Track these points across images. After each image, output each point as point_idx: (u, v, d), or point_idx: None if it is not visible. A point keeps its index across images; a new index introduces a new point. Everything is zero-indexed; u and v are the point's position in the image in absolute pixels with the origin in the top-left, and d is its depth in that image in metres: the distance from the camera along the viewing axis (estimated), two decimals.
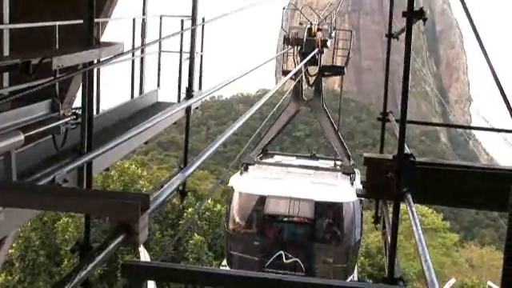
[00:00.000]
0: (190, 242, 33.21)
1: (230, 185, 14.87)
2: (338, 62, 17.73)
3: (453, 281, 26.73)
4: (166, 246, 30.78)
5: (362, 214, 14.13)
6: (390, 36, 8.66)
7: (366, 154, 6.23)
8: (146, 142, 9.68)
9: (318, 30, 16.38)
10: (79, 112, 5.84)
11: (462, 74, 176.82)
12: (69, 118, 5.81)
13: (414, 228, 4.11)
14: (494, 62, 5.30)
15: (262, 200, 13.80)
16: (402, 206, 4.80)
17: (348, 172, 15.07)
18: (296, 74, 14.44)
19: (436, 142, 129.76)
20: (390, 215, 5.64)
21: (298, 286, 2.40)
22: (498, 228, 64.19)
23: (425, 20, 5.06)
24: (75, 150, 5.53)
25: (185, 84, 9.69)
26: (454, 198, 5.82)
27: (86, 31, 5.80)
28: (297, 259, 13.12)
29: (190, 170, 4.45)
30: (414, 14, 4.84)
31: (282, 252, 13.13)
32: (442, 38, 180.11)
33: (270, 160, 16.82)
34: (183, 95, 9.69)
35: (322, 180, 14.77)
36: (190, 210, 33.79)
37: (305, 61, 14.15)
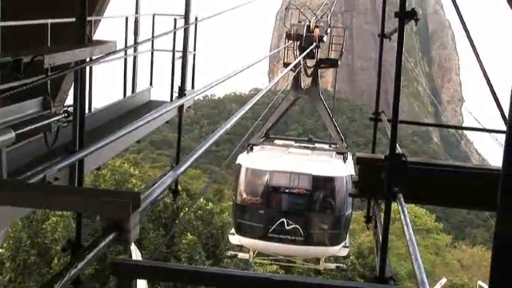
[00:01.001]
0: (183, 241, 33.17)
1: (237, 162, 16.52)
2: (332, 56, 19.66)
3: (444, 280, 26.84)
4: (158, 245, 30.72)
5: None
6: (382, 36, 8.68)
7: (358, 154, 6.26)
8: (138, 141, 9.65)
9: (316, 27, 18.01)
10: (71, 110, 5.82)
11: (454, 74, 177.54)
12: (60, 116, 5.79)
13: (405, 228, 4.13)
14: (486, 63, 5.32)
15: (266, 174, 15.54)
16: (394, 205, 4.81)
17: (341, 152, 16.86)
18: (296, 66, 16.27)
19: (428, 142, 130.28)
20: (382, 215, 5.66)
21: (288, 285, 2.41)
22: (489, 228, 64.45)
23: (417, 20, 5.09)
24: (67, 149, 5.51)
25: (177, 83, 9.67)
26: (446, 197, 5.85)
27: (78, 29, 5.77)
28: (297, 226, 14.98)
29: (182, 169, 4.45)
30: (406, 15, 4.86)
31: (283, 219, 14.98)
32: (435, 39, 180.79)
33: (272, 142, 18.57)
34: (176, 94, 9.67)
35: (319, 158, 16.70)
36: (185, 209, 33.76)
37: (304, 53, 15.96)
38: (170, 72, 9.97)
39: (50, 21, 7.11)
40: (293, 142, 19.24)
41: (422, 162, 5.99)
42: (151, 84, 11.18)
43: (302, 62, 17.03)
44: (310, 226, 15.44)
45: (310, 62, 18.63)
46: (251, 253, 16.96)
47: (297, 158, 16.40)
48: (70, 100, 5.94)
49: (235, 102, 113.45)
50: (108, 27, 11.57)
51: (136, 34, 10.43)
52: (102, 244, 2.50)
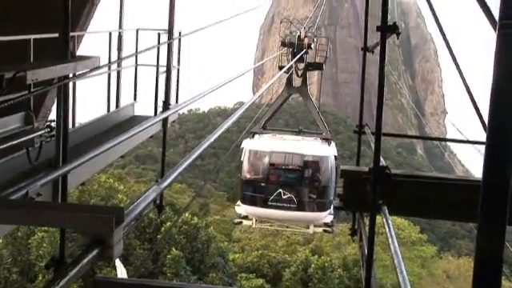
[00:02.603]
0: (168, 256, 32.94)
1: (242, 146, 20.05)
2: (317, 60, 23.70)
3: None
4: (143, 261, 30.47)
5: (336, 167, 19.23)
6: (365, 49, 8.75)
7: (342, 167, 6.27)
8: (122, 156, 9.60)
9: (305, 36, 21.99)
10: (54, 125, 5.77)
11: (436, 86, 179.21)
12: (43, 131, 5.74)
13: (390, 240, 4.14)
14: (468, 75, 5.38)
15: (266, 155, 19.31)
16: (379, 218, 4.82)
17: (326, 138, 20.79)
18: (289, 68, 19.92)
19: (412, 153, 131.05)
20: (367, 227, 5.66)
21: None
22: (474, 239, 64.64)
23: (398, 34, 5.13)
24: (50, 164, 5.46)
25: (162, 98, 9.65)
26: (430, 209, 5.88)
27: (61, 45, 5.75)
28: (291, 195, 18.60)
29: (167, 183, 4.42)
30: (387, 29, 4.90)
31: (280, 190, 18.61)
32: (417, 52, 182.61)
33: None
34: (160, 109, 9.64)
35: (308, 143, 20.56)
36: (168, 223, 33.53)
37: (296, 58, 20.14)
38: (154, 87, 9.96)
39: (32, 36, 7.08)
40: (286, 133, 23.01)
41: (406, 174, 6.01)
42: (135, 99, 11.15)
43: (293, 65, 20.94)
44: (302, 196, 18.90)
45: (300, 65, 22.50)
46: (254, 220, 20.17)
47: (290, 142, 20.42)
48: (53, 115, 5.89)
49: (220, 115, 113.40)
50: (92, 42, 11.54)
51: (120, 49, 10.41)
52: (85, 260, 2.47)
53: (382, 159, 4.99)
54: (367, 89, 9.72)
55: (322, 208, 19.02)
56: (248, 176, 19.45)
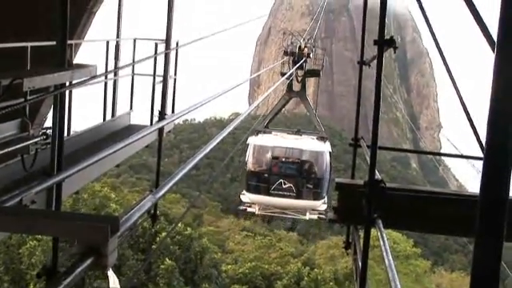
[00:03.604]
0: (161, 266, 32.78)
1: (247, 142, 22.31)
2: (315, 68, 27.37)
3: None
4: (136, 271, 30.31)
5: (330, 162, 22.13)
6: (361, 63, 8.76)
7: (337, 180, 6.27)
8: (117, 165, 9.57)
9: (305, 46, 25.41)
10: (49, 132, 5.76)
11: (432, 101, 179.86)
12: (39, 139, 5.73)
13: (384, 254, 4.12)
14: (463, 90, 5.41)
15: (269, 149, 21.99)
16: (373, 231, 4.81)
17: (321, 137, 22.97)
18: (290, 74, 22.76)
19: (407, 167, 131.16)
20: (361, 241, 5.65)
21: None
22: (467, 253, 64.77)
23: (395, 48, 5.14)
24: (44, 172, 5.44)
25: (158, 107, 9.64)
26: (424, 223, 5.88)
27: (58, 53, 5.74)
28: (290, 185, 21.06)
29: (161, 193, 4.41)
30: (385, 43, 4.92)
31: (281, 180, 21.12)
32: (413, 66, 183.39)
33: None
34: (156, 118, 9.63)
35: (306, 140, 22.84)
36: (162, 234, 33.40)
37: (297, 66, 23.44)
38: (151, 96, 9.96)
39: (30, 44, 7.08)
40: (285, 133, 24.97)
41: (401, 188, 6.01)
42: (131, 108, 11.14)
43: (294, 72, 23.75)
44: (300, 186, 21.33)
45: (300, 72, 25.32)
46: (257, 207, 22.08)
47: (290, 139, 22.77)
48: (49, 123, 5.88)
49: (215, 126, 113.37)
50: (89, 51, 11.55)
51: (117, 57, 10.41)
52: (79, 269, 2.46)
53: (377, 172, 4.99)
54: (362, 102, 9.74)
55: (317, 197, 21.50)
56: (253, 168, 21.88)
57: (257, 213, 23.18)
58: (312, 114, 25.90)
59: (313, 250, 56.58)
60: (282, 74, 23.59)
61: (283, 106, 25.90)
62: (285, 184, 21.05)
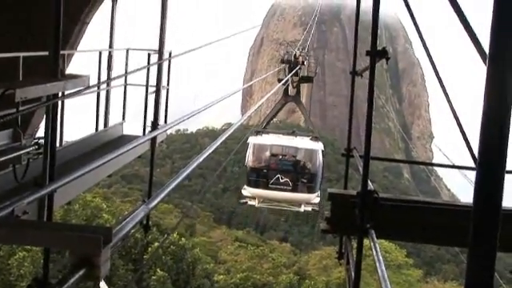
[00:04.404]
0: (153, 277, 32.62)
1: (248, 142, 24.26)
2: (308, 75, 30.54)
3: None
4: (128, 282, 30.14)
5: (322, 159, 24.08)
6: (353, 73, 8.80)
7: (330, 190, 6.26)
8: (109, 175, 9.54)
9: (300, 55, 28.74)
10: (42, 142, 5.73)
11: (423, 111, 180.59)
12: (30, 149, 5.70)
13: (377, 264, 4.12)
14: (454, 100, 5.43)
15: (268, 147, 24.04)
16: (366, 241, 4.80)
17: (314, 137, 25.10)
18: (286, 81, 24.81)
19: (399, 177, 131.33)
20: (354, 251, 5.65)
21: None
22: (459, 263, 64.77)
23: (388, 59, 5.17)
24: (36, 183, 5.41)
25: (150, 118, 9.63)
26: (417, 233, 5.88)
27: (51, 63, 5.73)
28: (287, 179, 23.02)
29: (154, 203, 4.40)
30: (377, 53, 4.94)
31: (279, 175, 23.05)
32: (405, 76, 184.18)
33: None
34: (149, 129, 9.61)
35: (300, 139, 24.94)
36: (155, 244, 33.24)
37: (292, 72, 26.11)
38: (143, 107, 9.95)
39: (22, 54, 7.07)
40: (281, 134, 27.48)
41: (393, 198, 6.02)
42: (124, 118, 11.12)
43: (290, 78, 26.04)
44: (295, 180, 23.25)
45: (295, 78, 28.06)
46: (257, 200, 23.99)
47: (287, 138, 25.04)
48: (41, 133, 5.86)
49: (208, 136, 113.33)
50: (82, 61, 11.54)
51: (109, 68, 10.40)
52: (71, 281, 2.44)
53: (369, 182, 4.99)
54: (355, 112, 9.77)
55: (311, 190, 23.53)
56: (253, 165, 23.91)
57: (257, 205, 24.96)
58: (306, 117, 29.82)
59: (306, 261, 56.48)
60: (279, 80, 26.33)
61: (280, 109, 28.60)
62: (282, 179, 23.00)
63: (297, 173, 23.70)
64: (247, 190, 23.91)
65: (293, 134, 26.42)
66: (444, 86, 5.42)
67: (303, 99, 32.50)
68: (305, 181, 23.59)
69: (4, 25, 10.29)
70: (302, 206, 24.36)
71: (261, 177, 23.49)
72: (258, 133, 25.47)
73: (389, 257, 47.09)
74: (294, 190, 23.23)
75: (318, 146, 24.24)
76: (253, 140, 24.64)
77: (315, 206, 24.45)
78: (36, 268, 27.90)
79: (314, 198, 23.78)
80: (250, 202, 24.73)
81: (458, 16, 3.04)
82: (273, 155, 23.99)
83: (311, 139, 25.05)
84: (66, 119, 7.94)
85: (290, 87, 28.22)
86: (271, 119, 28.02)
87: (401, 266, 49.82)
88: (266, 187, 23.12)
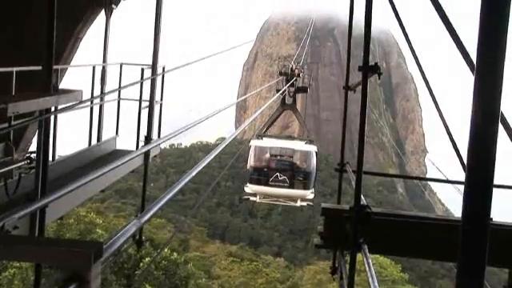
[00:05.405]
0: None
1: (250, 144, 27.23)
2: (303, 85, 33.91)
3: None
4: None
5: (316, 160, 26.72)
6: (347, 88, 8.84)
7: (323, 205, 6.26)
8: (102, 190, 9.50)
9: (296, 68, 32.39)
10: (34, 156, 5.71)
11: (417, 125, 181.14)
12: (22, 163, 5.68)
13: (370, 280, 4.11)
14: (447, 115, 5.46)
15: (267, 149, 26.57)
16: (360, 256, 4.80)
17: (309, 140, 28.11)
18: (283, 91, 28.48)
19: (393, 192, 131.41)
20: (348, 266, 5.63)
21: None
22: (454, 278, 64.56)
23: (380, 74, 5.19)
24: (28, 198, 5.38)
25: (144, 132, 9.62)
26: (410, 248, 5.87)
27: (44, 78, 5.73)
28: (285, 177, 25.60)
29: (146, 217, 4.38)
30: (369, 69, 4.97)
31: (277, 174, 25.58)
32: (398, 91, 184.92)
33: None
34: (142, 143, 9.60)
35: (297, 142, 28.01)
36: (146, 259, 33.02)
37: (289, 84, 29.78)
38: (137, 121, 9.94)
39: (15, 69, 7.06)
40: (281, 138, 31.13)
41: (386, 212, 6.02)
42: (117, 133, 11.10)
43: (287, 89, 29.67)
44: (292, 178, 25.76)
45: (291, 89, 31.12)
46: (258, 196, 26.41)
47: (285, 141, 27.88)
48: (34, 147, 5.84)
49: (201, 150, 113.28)
50: (75, 75, 11.55)
51: (103, 82, 10.41)
52: None
53: (362, 197, 5.00)
54: (348, 127, 9.80)
55: (306, 187, 26.14)
56: (254, 164, 26.47)
57: (258, 201, 27.55)
58: (302, 122, 33.71)
59: (300, 276, 56.28)
60: (277, 91, 29.72)
61: (278, 116, 31.97)
62: (280, 177, 25.66)
63: (293, 171, 26.16)
64: (249, 187, 26.36)
65: (290, 138, 29.88)
66: (436, 101, 5.45)
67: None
68: (300, 178, 26.08)
69: None
70: (299, 201, 26.86)
71: (261, 175, 26.08)
72: (258, 137, 28.42)
73: (384, 272, 47.00)
74: (291, 186, 25.80)
75: (312, 148, 26.99)
76: (254, 143, 27.45)
77: (310, 202, 27.24)
78: (26, 286, 27.61)
79: (309, 194, 26.42)
80: (252, 198, 27.35)
81: (448, 29, 3.06)
82: (272, 156, 26.66)
83: (306, 142, 27.87)
84: (58, 134, 7.92)
85: (287, 96, 31.23)
86: (270, 125, 31.22)
87: (396, 281, 49.70)
88: (266, 184, 25.75)
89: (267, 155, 26.86)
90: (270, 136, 30.19)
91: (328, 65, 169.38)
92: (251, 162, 26.86)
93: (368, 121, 4.85)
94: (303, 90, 33.60)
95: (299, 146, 27.47)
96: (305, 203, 27.47)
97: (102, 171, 5.88)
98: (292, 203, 28.37)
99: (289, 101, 32.15)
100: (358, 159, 4.83)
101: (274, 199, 27.89)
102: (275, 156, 26.96)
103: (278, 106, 31.76)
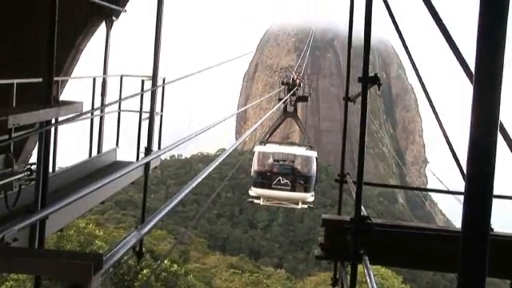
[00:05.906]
0: None
1: (254, 150, 28.98)
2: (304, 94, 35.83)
3: None
4: None
5: (316, 164, 28.38)
6: (346, 99, 8.84)
7: (323, 216, 6.25)
8: (102, 202, 9.49)
9: (297, 78, 34.45)
10: (34, 168, 5.71)
11: (417, 136, 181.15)
12: (22, 175, 5.68)
13: None
14: (448, 125, 5.46)
15: (271, 154, 28.60)
16: (361, 267, 4.78)
17: (310, 146, 29.82)
18: (285, 100, 30.97)
19: (394, 202, 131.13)
20: (348, 277, 5.62)
21: None
22: None
23: (380, 85, 5.20)
24: (28, 210, 5.37)
25: (144, 144, 9.63)
26: (411, 259, 5.86)
27: (44, 89, 5.74)
28: (287, 181, 27.05)
29: (147, 229, 4.37)
30: (369, 80, 4.98)
31: (280, 177, 27.05)
32: (398, 102, 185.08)
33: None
34: (142, 155, 9.60)
35: (298, 148, 30.23)
36: (145, 271, 32.91)
37: (291, 93, 31.66)
38: (137, 133, 9.95)
39: (16, 81, 7.08)
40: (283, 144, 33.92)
41: (387, 224, 6.01)
42: (117, 144, 11.11)
43: (289, 98, 31.54)
44: (294, 181, 27.29)
45: (293, 97, 32.78)
46: (262, 199, 27.91)
47: (287, 147, 30.36)
48: (34, 159, 5.83)
49: (202, 162, 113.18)
50: (76, 87, 11.57)
51: (103, 94, 10.43)
52: None
53: (363, 208, 4.99)
54: (349, 137, 9.79)
55: (306, 190, 27.73)
56: (258, 169, 27.99)
57: (261, 204, 28.94)
58: (302, 129, 36.73)
59: (301, 287, 56.04)
60: (279, 100, 31.94)
61: (280, 123, 33.88)
62: (282, 180, 27.11)
63: (295, 175, 27.73)
64: (253, 191, 27.77)
65: (291, 144, 32.69)
66: (436, 111, 5.45)
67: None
68: (301, 182, 27.64)
69: None
70: (300, 204, 28.66)
71: (265, 179, 27.52)
72: (262, 143, 30.35)
73: (385, 283, 46.80)
74: (293, 189, 27.30)
75: (313, 154, 28.57)
76: (258, 149, 29.19)
77: (310, 204, 29.17)
78: None
79: (309, 196, 27.91)
80: (256, 201, 28.74)
81: (446, 40, 3.07)
82: (275, 161, 28.60)
83: (307, 148, 29.63)
84: (59, 145, 7.93)
85: (289, 105, 33.25)
86: (272, 132, 33.28)
87: None
88: (270, 187, 27.19)
89: (270, 160, 28.52)
90: (273, 142, 32.11)
91: (328, 75, 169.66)
92: (255, 166, 28.23)
93: (368, 131, 4.85)
94: (304, 99, 35.42)
95: (300, 151, 29.16)
96: (306, 205, 29.40)
97: (102, 183, 5.88)
98: (294, 205, 29.87)
99: (290, 109, 34.04)
100: (359, 170, 4.83)
101: (276, 202, 29.23)
102: (278, 161, 28.83)
103: (280, 113, 33.42)
